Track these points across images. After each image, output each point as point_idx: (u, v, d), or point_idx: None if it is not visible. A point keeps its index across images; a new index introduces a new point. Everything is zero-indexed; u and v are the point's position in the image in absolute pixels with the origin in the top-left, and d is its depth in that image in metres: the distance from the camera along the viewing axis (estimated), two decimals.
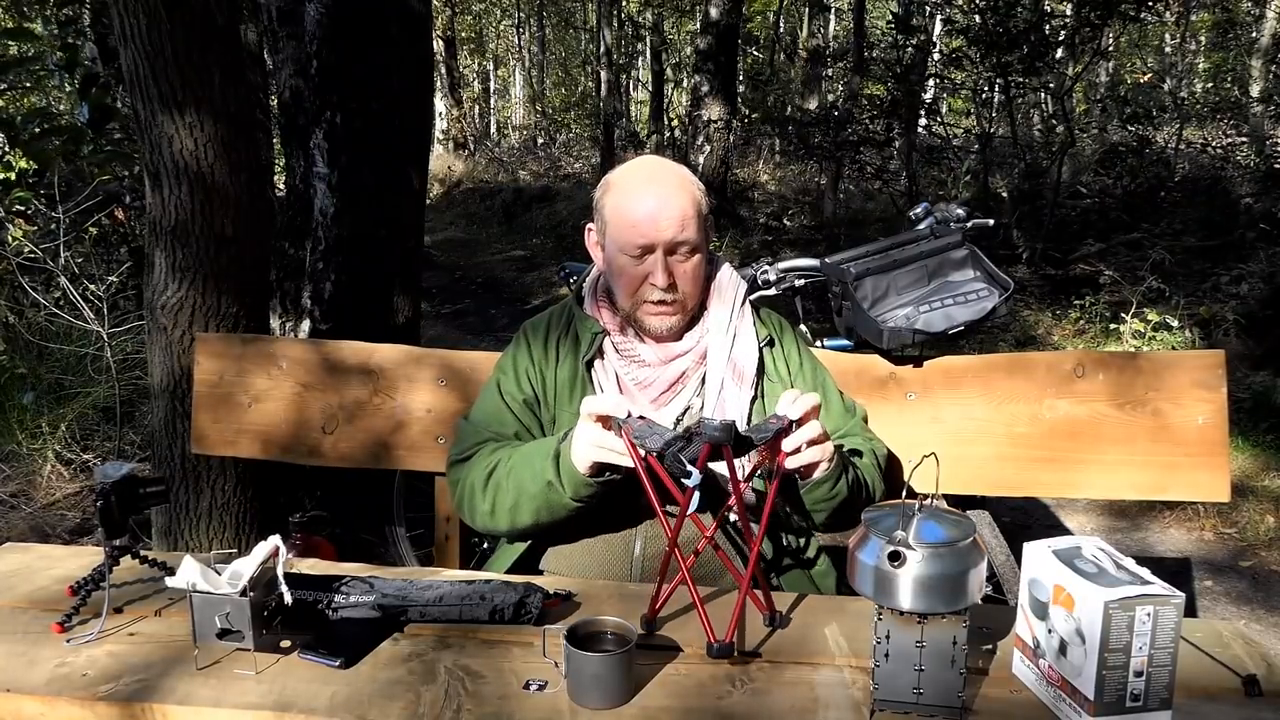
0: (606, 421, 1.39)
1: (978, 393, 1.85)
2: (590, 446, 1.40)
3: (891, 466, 1.78)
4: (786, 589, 1.63)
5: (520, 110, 25.65)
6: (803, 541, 1.68)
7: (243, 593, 1.18)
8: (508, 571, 1.60)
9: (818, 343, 2.38)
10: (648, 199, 1.54)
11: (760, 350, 1.64)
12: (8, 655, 1.24)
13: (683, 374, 1.61)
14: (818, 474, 1.44)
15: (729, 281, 1.68)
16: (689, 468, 1.27)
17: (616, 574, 1.58)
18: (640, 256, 1.55)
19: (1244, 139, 10.52)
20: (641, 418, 1.39)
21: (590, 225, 1.66)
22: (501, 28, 25.35)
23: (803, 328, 2.48)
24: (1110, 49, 13.46)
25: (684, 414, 1.60)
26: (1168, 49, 19.79)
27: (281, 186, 4.93)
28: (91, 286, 3.64)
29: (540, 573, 1.63)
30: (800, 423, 1.37)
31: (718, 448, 1.25)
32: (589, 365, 1.63)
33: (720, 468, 1.33)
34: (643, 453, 1.32)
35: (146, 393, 2.98)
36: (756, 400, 1.62)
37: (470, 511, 1.60)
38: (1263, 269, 6.04)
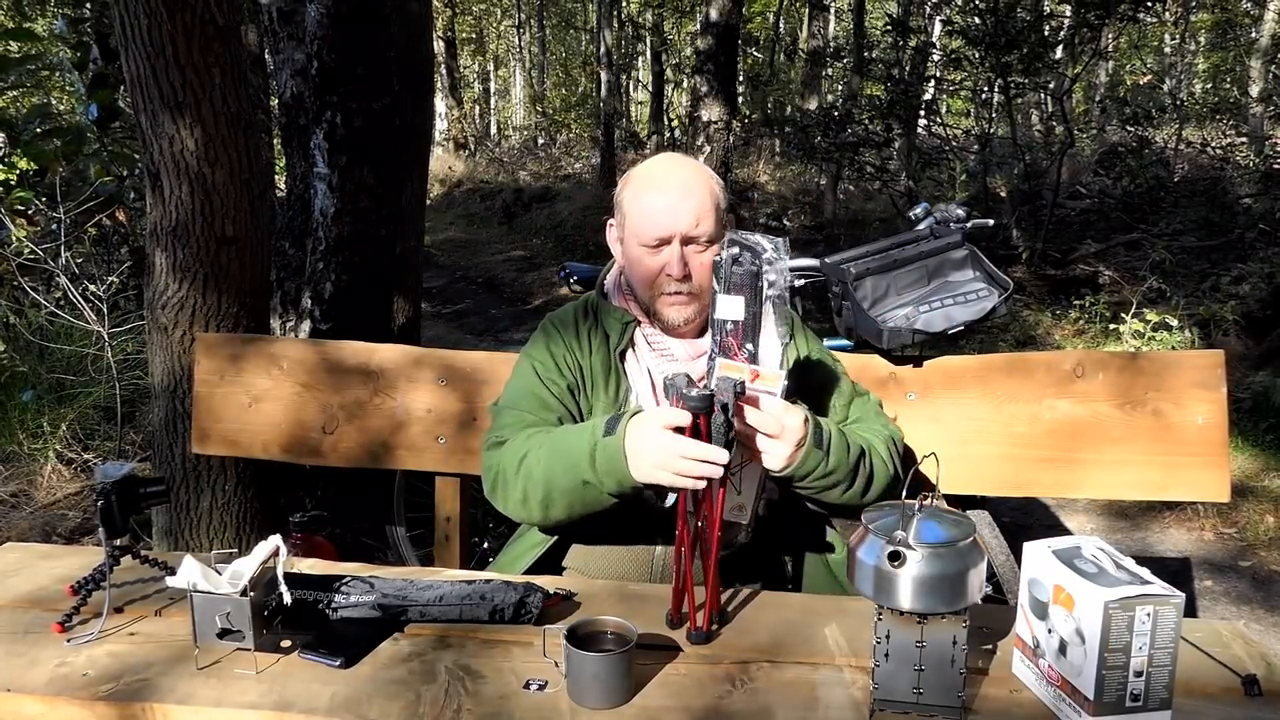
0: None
1: (977, 393, 1.85)
2: (656, 470, 1.34)
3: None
4: (806, 577, 1.66)
5: (520, 111, 25.66)
6: (819, 528, 1.69)
7: (243, 593, 1.18)
8: (528, 569, 1.61)
9: None
10: (665, 192, 1.57)
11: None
12: (8, 655, 1.24)
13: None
14: (779, 463, 1.41)
15: None
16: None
17: (637, 575, 1.61)
18: (657, 248, 1.58)
19: (1243, 139, 10.51)
20: (688, 378, 1.36)
21: (611, 221, 1.70)
22: (502, 28, 25.37)
23: None
24: (1110, 49, 13.46)
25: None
26: (1167, 49, 19.79)
27: (281, 186, 4.93)
28: (91, 286, 3.64)
29: (563, 570, 1.65)
30: (750, 401, 1.36)
31: (697, 418, 1.28)
32: (622, 355, 1.65)
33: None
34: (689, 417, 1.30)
35: (147, 393, 2.99)
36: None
37: (503, 499, 1.56)
38: (1263, 269, 6.04)
